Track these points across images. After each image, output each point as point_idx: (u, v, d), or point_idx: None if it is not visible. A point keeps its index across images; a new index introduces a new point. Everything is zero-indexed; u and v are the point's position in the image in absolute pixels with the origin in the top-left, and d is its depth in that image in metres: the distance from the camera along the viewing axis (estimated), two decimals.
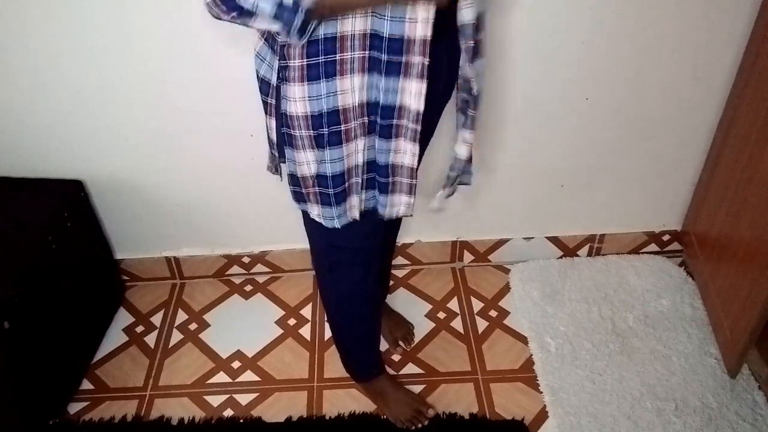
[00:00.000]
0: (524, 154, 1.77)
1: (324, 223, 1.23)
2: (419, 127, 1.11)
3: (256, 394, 1.70)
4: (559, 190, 1.87)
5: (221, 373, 1.76)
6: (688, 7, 1.51)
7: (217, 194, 1.82)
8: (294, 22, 0.96)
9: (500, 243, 1.99)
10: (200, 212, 1.86)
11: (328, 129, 1.10)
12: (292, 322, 1.89)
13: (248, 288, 2.00)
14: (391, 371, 1.73)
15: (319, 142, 1.11)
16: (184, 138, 1.68)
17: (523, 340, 1.80)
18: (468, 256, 2.02)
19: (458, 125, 1.27)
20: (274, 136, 1.22)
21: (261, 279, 2.02)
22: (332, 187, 1.18)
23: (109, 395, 1.71)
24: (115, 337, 1.86)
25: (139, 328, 1.89)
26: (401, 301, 1.90)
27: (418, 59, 1.03)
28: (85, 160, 1.72)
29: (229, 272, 2.01)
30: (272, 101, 1.16)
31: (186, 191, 1.81)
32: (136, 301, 1.97)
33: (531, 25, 1.52)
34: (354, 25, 1.01)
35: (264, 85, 1.17)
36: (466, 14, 1.07)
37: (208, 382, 1.74)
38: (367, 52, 1.04)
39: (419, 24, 1.00)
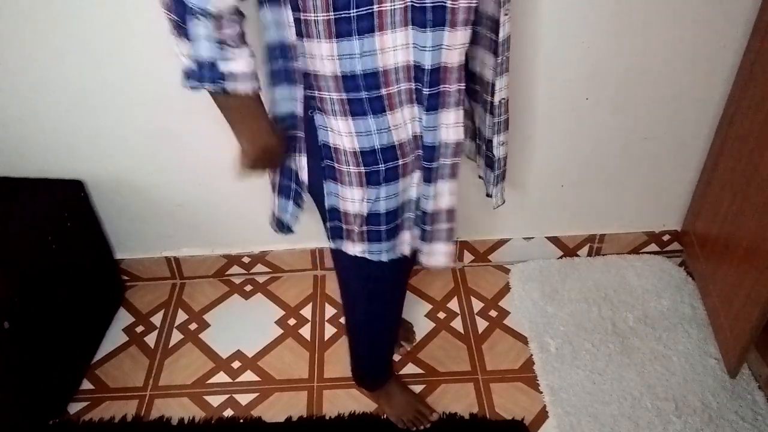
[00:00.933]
0: (524, 154, 1.77)
1: (369, 257, 1.18)
2: (459, 160, 1.09)
3: (256, 394, 1.70)
4: (559, 190, 1.87)
5: (221, 373, 1.76)
6: (688, 7, 1.51)
7: (217, 194, 1.82)
8: (203, 80, 0.96)
9: (500, 243, 1.99)
10: (200, 212, 1.86)
11: (384, 165, 1.07)
12: (292, 322, 1.89)
13: (248, 288, 2.00)
14: None
15: (372, 180, 1.08)
16: (184, 138, 1.68)
17: (523, 340, 1.80)
18: (468, 256, 2.02)
19: (490, 129, 1.24)
20: (305, 176, 1.14)
21: (261, 279, 2.02)
22: (384, 224, 1.13)
23: (109, 395, 1.71)
24: (115, 337, 1.86)
25: (139, 328, 1.89)
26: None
27: (454, 87, 1.02)
28: (85, 160, 1.72)
29: (229, 272, 2.01)
30: (301, 134, 1.10)
31: (186, 191, 1.81)
32: (136, 301, 1.97)
33: (531, 25, 1.52)
34: (396, 57, 0.99)
35: (289, 117, 1.10)
36: (506, 29, 1.07)
37: (208, 382, 1.74)
38: (412, 84, 1.02)
39: (455, 51, 0.99)
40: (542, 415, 1.62)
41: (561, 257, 2.03)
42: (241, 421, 1.64)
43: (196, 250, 1.96)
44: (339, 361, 1.77)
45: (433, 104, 1.03)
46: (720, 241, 1.73)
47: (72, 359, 1.71)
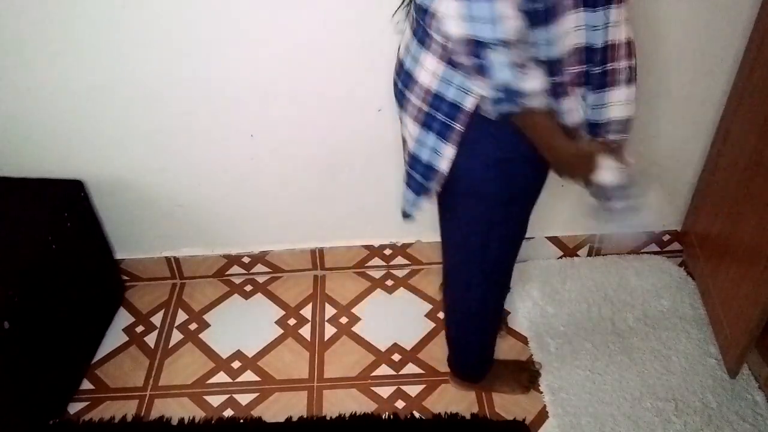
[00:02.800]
0: None
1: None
2: (627, 136, 1.15)
3: (256, 394, 1.70)
4: (559, 190, 1.87)
5: (221, 373, 1.76)
6: (689, 7, 1.51)
7: (217, 194, 1.82)
8: (512, 104, 0.96)
9: None
10: (200, 212, 1.86)
11: None
12: (292, 322, 1.89)
13: (248, 288, 2.00)
14: (391, 371, 1.74)
15: None
16: (184, 138, 1.68)
17: (523, 340, 1.80)
18: None
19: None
20: (444, 165, 1.14)
21: (261, 279, 2.02)
22: None
23: (109, 395, 1.71)
24: (115, 337, 1.86)
25: (139, 328, 1.89)
26: (402, 302, 1.90)
27: (624, 63, 1.07)
28: (85, 160, 1.72)
29: (229, 272, 2.01)
30: (462, 129, 1.09)
31: (186, 191, 1.81)
32: (136, 301, 1.97)
33: None
34: (571, 40, 1.01)
35: (453, 109, 1.08)
36: None
37: (208, 382, 1.74)
38: (584, 66, 1.05)
39: (621, 27, 1.03)
40: (542, 415, 1.62)
41: (561, 257, 2.02)
42: (241, 421, 1.64)
43: (196, 250, 1.96)
44: (339, 361, 1.77)
45: (601, 83, 1.07)
46: (720, 241, 1.73)
47: (72, 359, 1.71)
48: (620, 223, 1.20)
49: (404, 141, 1.24)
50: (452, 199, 1.24)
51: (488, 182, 1.16)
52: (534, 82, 0.95)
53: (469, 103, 1.05)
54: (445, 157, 1.12)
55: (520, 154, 1.10)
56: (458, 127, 1.08)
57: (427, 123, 1.11)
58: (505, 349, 1.78)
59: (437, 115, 1.09)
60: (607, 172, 1.13)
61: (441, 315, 1.89)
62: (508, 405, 1.65)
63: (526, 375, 1.68)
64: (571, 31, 0.99)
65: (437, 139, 1.11)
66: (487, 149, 1.11)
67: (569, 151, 1.08)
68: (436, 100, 1.08)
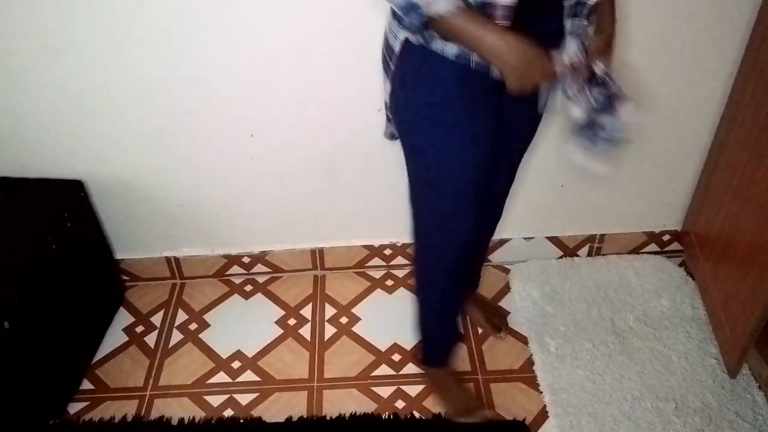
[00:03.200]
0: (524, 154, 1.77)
1: None
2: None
3: (256, 394, 1.70)
4: (559, 190, 1.87)
5: (221, 373, 1.76)
6: (689, 8, 1.51)
7: (217, 194, 1.82)
8: (416, 20, 1.02)
9: (500, 243, 1.99)
10: (200, 212, 1.86)
11: None
12: (292, 322, 1.89)
13: (248, 288, 2.00)
14: (391, 371, 1.74)
15: None
16: (184, 138, 1.68)
17: (523, 340, 1.80)
18: None
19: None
20: None
21: (261, 279, 2.02)
22: None
23: (109, 395, 1.71)
24: (115, 337, 1.86)
25: (139, 328, 1.89)
26: (402, 302, 1.90)
27: None
28: (85, 160, 1.72)
29: (229, 272, 2.01)
30: (394, 67, 1.20)
31: (186, 191, 1.81)
32: (136, 301, 1.97)
33: None
34: None
35: (390, 52, 1.19)
36: None
37: (208, 382, 1.74)
38: None
39: None
40: (542, 415, 1.62)
41: (561, 257, 2.03)
42: (241, 421, 1.64)
43: (196, 250, 1.96)
44: (339, 361, 1.77)
45: None
46: (720, 241, 1.73)
47: (72, 359, 1.71)
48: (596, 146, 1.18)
49: None
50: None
51: (409, 120, 1.24)
52: None
53: (398, 44, 1.15)
54: (386, 91, 1.26)
55: (443, 98, 1.16)
56: (392, 65, 1.19)
57: (384, 70, 1.25)
58: (505, 348, 1.79)
59: (388, 60, 1.21)
60: (564, 76, 1.08)
61: None
62: (507, 405, 1.65)
63: (463, 409, 1.61)
64: None
65: (384, 78, 1.25)
66: (413, 88, 1.18)
67: (502, 46, 1.03)
68: (387, 49, 1.21)
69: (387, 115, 1.36)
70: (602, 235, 1.98)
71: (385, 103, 1.30)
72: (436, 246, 1.41)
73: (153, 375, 1.76)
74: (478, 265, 1.83)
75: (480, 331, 1.83)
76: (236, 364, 1.78)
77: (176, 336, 1.86)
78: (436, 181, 1.28)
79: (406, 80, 1.18)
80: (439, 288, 1.51)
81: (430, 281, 1.51)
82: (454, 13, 1.01)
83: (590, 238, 1.99)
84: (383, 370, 1.75)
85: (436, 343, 1.65)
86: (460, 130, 1.20)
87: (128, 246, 1.94)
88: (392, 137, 1.40)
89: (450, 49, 1.10)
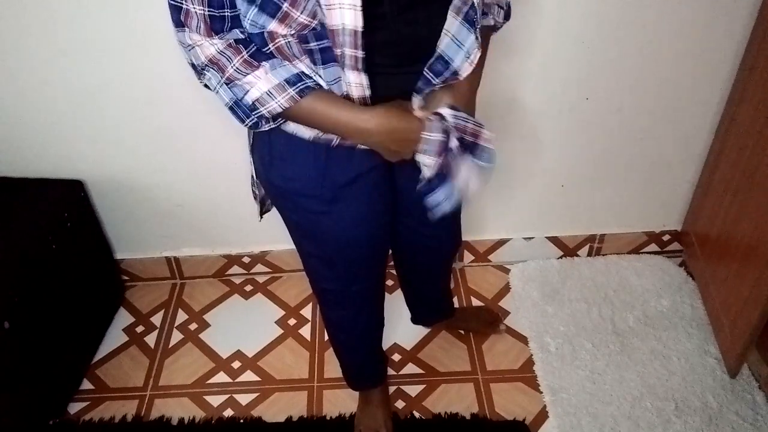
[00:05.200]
0: (524, 154, 1.77)
1: None
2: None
3: (256, 394, 1.70)
4: (559, 190, 1.87)
5: (221, 373, 1.76)
6: (688, 7, 1.51)
7: (217, 194, 1.82)
8: (245, 121, 0.97)
9: (500, 243, 1.99)
10: (200, 212, 1.86)
11: None
12: (292, 322, 1.89)
13: (248, 288, 2.00)
14: (391, 371, 1.74)
15: None
16: (184, 138, 1.68)
17: (523, 340, 1.80)
18: (468, 256, 2.02)
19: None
20: None
21: (261, 279, 2.02)
22: None
23: (109, 395, 1.71)
24: (115, 337, 1.86)
25: (139, 328, 1.89)
26: (401, 302, 1.90)
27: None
28: (85, 160, 1.72)
29: (229, 272, 2.01)
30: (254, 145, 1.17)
31: (186, 191, 1.81)
32: (136, 301, 1.97)
33: (531, 25, 1.52)
34: None
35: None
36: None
37: (208, 382, 1.74)
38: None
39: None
40: (542, 415, 1.62)
41: (561, 257, 2.03)
42: (241, 421, 1.64)
43: (196, 250, 1.96)
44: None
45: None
46: (720, 241, 1.73)
47: (72, 359, 1.71)
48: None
49: None
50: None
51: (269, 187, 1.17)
52: (256, 88, 0.92)
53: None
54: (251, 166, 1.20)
55: (303, 184, 1.09)
56: (249, 139, 1.15)
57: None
58: (505, 348, 1.79)
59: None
60: (424, 154, 0.98)
61: None
62: (508, 405, 1.65)
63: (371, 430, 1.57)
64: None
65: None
66: (271, 171, 1.12)
67: (362, 127, 0.95)
68: None
69: (253, 191, 1.26)
70: (602, 235, 1.98)
71: (252, 178, 1.23)
72: (327, 307, 1.42)
73: (153, 375, 1.76)
74: (438, 293, 1.70)
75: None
76: (236, 364, 1.78)
77: (176, 336, 1.86)
78: (322, 255, 1.25)
79: (264, 161, 1.11)
80: (339, 331, 1.49)
81: (329, 325, 1.50)
82: (299, 104, 0.93)
83: (590, 238, 1.99)
84: None
85: (351, 370, 1.60)
86: (329, 218, 1.13)
87: (128, 246, 1.94)
88: (261, 216, 1.33)
89: (305, 132, 1.02)
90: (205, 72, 0.95)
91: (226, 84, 0.94)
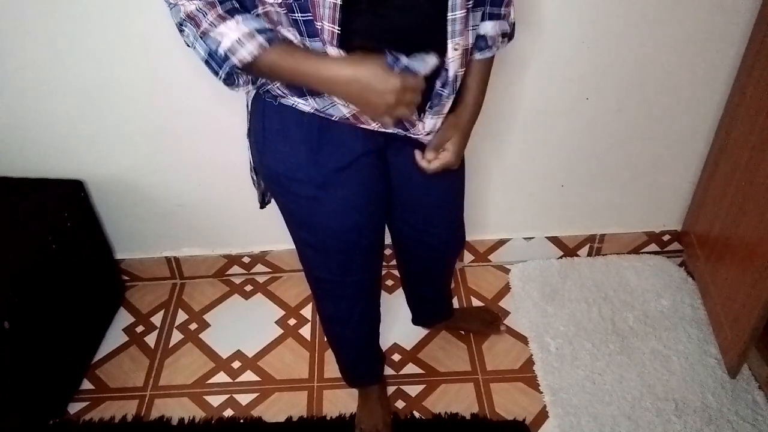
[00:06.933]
0: (524, 154, 1.77)
1: None
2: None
3: (256, 394, 1.70)
4: (559, 190, 1.87)
5: (221, 373, 1.76)
6: (689, 7, 1.51)
7: (217, 194, 1.82)
8: (219, 73, 0.97)
9: (500, 243, 1.99)
10: (200, 212, 1.86)
11: None
12: (292, 322, 1.89)
13: (248, 288, 2.00)
14: (391, 371, 1.74)
15: None
16: (184, 138, 1.68)
17: (523, 340, 1.80)
18: (468, 256, 2.02)
19: None
20: None
21: (261, 279, 2.02)
22: None
23: (109, 395, 1.71)
24: (115, 337, 1.86)
25: (139, 328, 1.89)
26: (401, 302, 1.90)
27: None
28: (85, 160, 1.72)
29: (229, 272, 2.01)
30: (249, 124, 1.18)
31: (186, 191, 1.81)
32: (136, 301, 1.97)
33: (531, 25, 1.52)
34: None
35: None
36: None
37: (208, 382, 1.74)
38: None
39: None
40: (542, 415, 1.62)
41: (561, 257, 2.03)
42: (241, 421, 1.64)
43: (196, 250, 1.96)
44: None
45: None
46: (720, 241, 1.73)
47: (72, 359, 1.71)
48: None
49: None
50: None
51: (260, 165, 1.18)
52: (227, 37, 0.94)
53: (249, 97, 1.12)
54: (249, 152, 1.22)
55: (295, 168, 1.10)
56: (246, 122, 1.16)
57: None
58: (505, 348, 1.79)
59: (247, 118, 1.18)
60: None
61: None
62: (508, 405, 1.65)
63: (371, 428, 1.58)
64: None
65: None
66: (265, 153, 1.14)
67: (325, 72, 0.95)
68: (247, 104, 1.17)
69: (252, 178, 1.28)
70: (602, 235, 1.98)
71: (250, 164, 1.24)
72: (323, 298, 1.41)
73: (153, 375, 1.76)
74: (438, 294, 1.70)
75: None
76: (236, 364, 1.78)
77: (176, 336, 1.86)
78: (313, 243, 1.26)
79: (258, 144, 1.12)
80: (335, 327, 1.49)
81: (324, 319, 1.49)
82: (269, 52, 0.94)
83: (590, 238, 1.99)
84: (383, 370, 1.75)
85: (346, 366, 1.61)
86: (320, 204, 1.14)
87: (128, 246, 1.94)
88: (263, 204, 1.33)
89: (304, 104, 1.02)
90: (183, 28, 0.97)
91: (201, 37, 0.96)
